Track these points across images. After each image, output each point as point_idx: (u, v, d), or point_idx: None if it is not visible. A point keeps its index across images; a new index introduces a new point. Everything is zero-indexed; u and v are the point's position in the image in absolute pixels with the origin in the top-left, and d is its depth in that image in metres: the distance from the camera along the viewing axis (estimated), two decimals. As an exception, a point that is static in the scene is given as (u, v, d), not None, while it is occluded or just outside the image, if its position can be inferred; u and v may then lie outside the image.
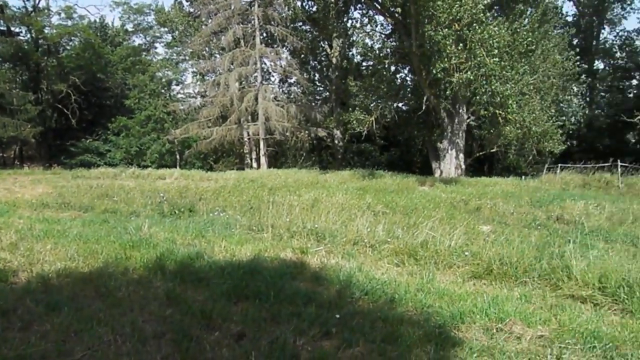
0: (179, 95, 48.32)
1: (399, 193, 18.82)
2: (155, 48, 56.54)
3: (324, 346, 4.72)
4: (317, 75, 42.81)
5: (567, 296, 6.47)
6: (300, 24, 38.03)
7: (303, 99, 39.91)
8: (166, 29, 48.91)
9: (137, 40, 56.32)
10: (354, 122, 29.13)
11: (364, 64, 38.74)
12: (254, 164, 37.31)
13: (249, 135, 37.16)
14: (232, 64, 35.47)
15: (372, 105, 29.54)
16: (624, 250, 8.19)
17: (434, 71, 24.10)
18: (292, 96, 41.17)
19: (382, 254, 8.45)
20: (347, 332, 4.94)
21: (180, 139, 39.19)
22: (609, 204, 16.22)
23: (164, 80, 45.52)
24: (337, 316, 5.34)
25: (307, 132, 37.28)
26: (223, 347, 4.61)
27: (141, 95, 42.38)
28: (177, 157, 42.16)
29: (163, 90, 45.08)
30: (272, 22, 34.63)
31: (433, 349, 4.68)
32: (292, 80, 41.36)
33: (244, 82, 37.14)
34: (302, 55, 38.99)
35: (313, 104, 41.36)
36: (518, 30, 25.21)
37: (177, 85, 48.43)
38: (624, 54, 46.18)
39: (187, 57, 46.65)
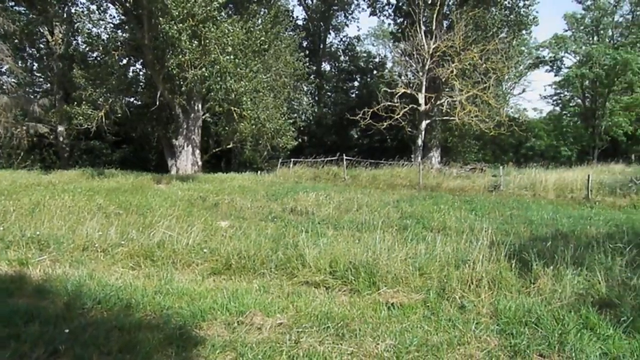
0: None
1: (134, 192, 18.01)
2: None
3: (51, 367, 4.21)
4: (35, 64, 38.43)
5: (302, 283, 6.88)
6: (13, 4, 33.57)
7: (19, 91, 35.36)
8: None
9: None
10: (81, 117, 26.83)
11: (91, 54, 36.07)
12: (-43, 165, 31.89)
13: (-52, 131, 31.58)
14: None
15: (101, 99, 27.59)
16: (350, 235, 9.04)
17: (169, 66, 23.64)
18: (4, 87, 36.08)
19: (116, 257, 7.95)
20: (79, 347, 4.51)
21: None
22: (336, 194, 17.89)
23: None
24: (67, 331, 4.84)
25: (24, 127, 33.21)
26: None
27: None
28: None
29: None
30: (-24, -1, 29.98)
31: (174, 352, 4.57)
32: (3, 69, 36.26)
33: (-63, 68, 31.41)
34: (16, 41, 34.49)
35: (32, 96, 37.00)
36: (252, 29, 26.22)
37: None
38: (347, 57, 51.84)
39: None
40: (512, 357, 4.73)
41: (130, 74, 32.70)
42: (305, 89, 41.84)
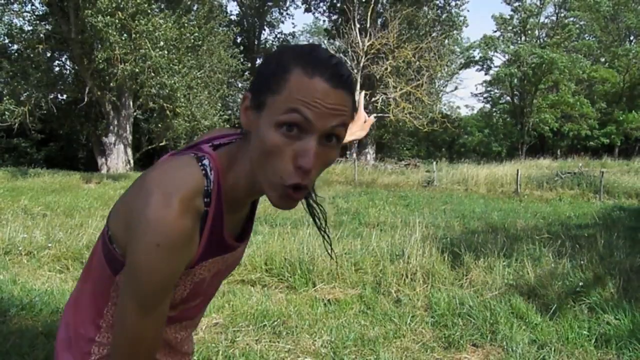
0: None
1: (62, 192, 17.31)
2: None
3: (-34, 383, 3.95)
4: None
5: (238, 281, 6.78)
6: None
7: None
8: None
9: None
10: (5, 113, 25.45)
11: (12, 46, 34.14)
12: None
13: None
14: None
15: (24, 94, 26.26)
16: (286, 232, 8.98)
17: (97, 61, 22.82)
18: None
19: (42, 261, 7.57)
20: (0, 358, 4.23)
21: None
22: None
23: None
24: (-14, 341, 4.54)
25: None
26: None
27: None
28: None
29: None
30: None
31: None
32: None
33: None
34: None
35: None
36: (185, 25, 25.66)
37: None
38: (282, 54, 51.53)
39: None
40: (447, 347, 4.82)
41: (56, 68, 31.37)
42: (240, 85, 41.35)
